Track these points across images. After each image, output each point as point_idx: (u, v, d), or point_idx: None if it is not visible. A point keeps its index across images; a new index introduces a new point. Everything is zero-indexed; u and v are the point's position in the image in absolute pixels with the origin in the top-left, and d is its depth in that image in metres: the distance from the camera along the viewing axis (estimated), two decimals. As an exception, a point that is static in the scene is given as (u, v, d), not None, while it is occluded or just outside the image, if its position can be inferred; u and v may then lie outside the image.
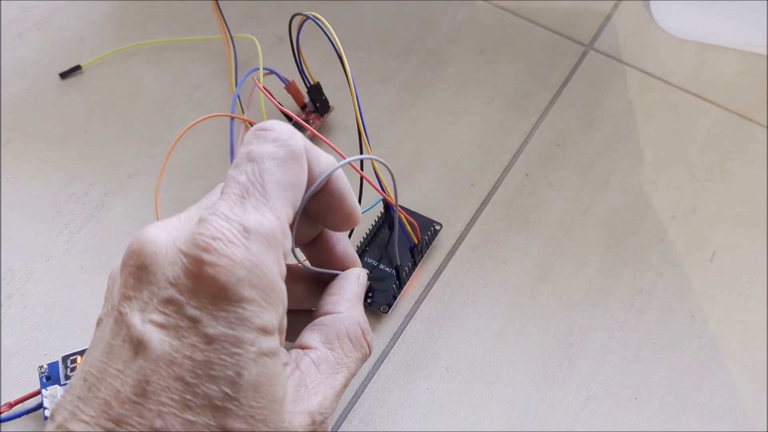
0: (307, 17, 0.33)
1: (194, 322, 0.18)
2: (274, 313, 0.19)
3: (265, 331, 0.19)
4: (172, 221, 0.21)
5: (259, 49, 0.41)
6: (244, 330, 0.18)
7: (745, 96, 0.46)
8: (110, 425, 0.18)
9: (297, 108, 0.42)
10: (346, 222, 0.25)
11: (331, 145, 0.29)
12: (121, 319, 0.19)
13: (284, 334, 0.21)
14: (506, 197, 0.41)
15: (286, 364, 0.21)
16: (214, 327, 0.18)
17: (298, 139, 0.21)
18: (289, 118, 0.33)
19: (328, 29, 0.31)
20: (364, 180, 0.32)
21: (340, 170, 0.23)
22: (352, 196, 0.24)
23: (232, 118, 0.36)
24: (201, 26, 0.48)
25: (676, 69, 0.47)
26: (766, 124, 0.44)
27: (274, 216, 0.19)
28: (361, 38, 0.48)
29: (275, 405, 0.19)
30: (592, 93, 0.46)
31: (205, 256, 0.18)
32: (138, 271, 0.19)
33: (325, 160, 0.22)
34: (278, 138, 0.20)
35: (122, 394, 0.18)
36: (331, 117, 0.43)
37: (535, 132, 0.44)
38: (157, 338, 0.18)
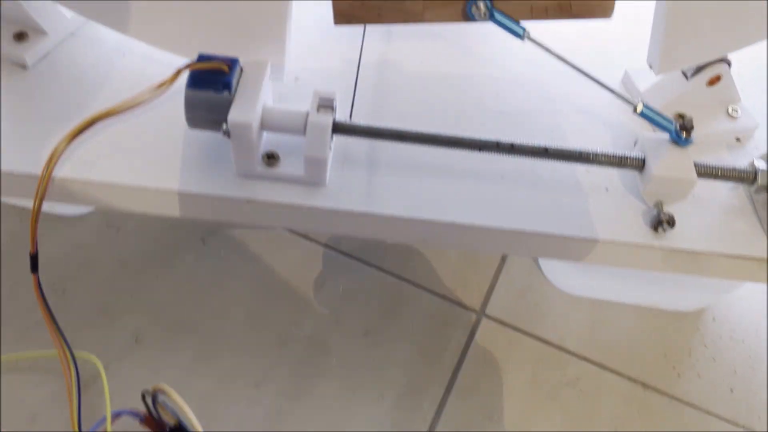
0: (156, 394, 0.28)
1: None
2: None
3: None
4: None
5: (106, 386, 0.34)
6: None
7: (645, 358, 0.44)
8: None
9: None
10: None
11: None
12: None
13: None
14: None
15: None
16: None
17: None
18: None
19: (177, 403, 0.26)
20: None
21: None
22: None
23: None
24: (34, 335, 0.41)
25: (572, 332, 0.45)
26: (669, 392, 0.42)
27: None
28: (231, 334, 0.42)
29: None
30: (490, 373, 0.42)
31: None
32: None
33: None
34: None
35: None
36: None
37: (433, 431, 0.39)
38: None
